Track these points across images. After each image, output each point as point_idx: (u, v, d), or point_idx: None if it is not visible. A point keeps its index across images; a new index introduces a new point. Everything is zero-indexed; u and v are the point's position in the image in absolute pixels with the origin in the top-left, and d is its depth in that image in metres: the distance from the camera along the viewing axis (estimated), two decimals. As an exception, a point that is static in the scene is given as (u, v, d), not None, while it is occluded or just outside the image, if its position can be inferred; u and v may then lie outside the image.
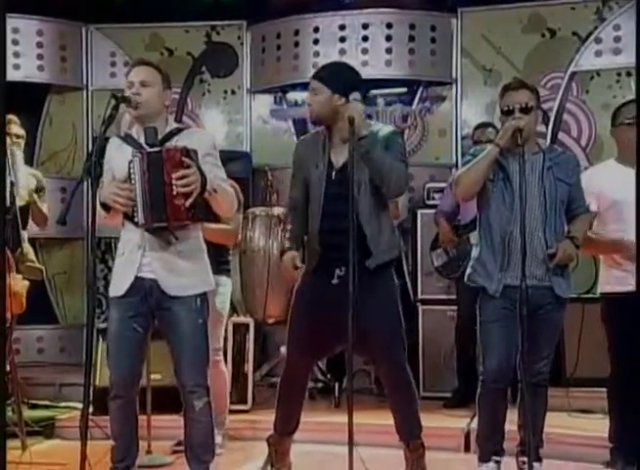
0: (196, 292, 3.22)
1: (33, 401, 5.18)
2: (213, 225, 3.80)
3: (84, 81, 6.87)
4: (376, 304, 3.42)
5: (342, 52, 6.14)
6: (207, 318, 3.29)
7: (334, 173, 3.49)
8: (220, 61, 6.69)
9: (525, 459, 3.34)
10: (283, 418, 3.65)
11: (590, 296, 5.23)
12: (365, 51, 6.12)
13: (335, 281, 3.42)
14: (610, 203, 3.72)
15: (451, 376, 5.44)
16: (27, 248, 4.98)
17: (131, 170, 3.07)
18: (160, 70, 3.28)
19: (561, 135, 6.13)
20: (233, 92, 6.70)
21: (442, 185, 5.60)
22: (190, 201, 3.01)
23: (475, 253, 3.59)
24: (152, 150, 3.12)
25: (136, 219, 3.10)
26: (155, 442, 4.24)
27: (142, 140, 3.22)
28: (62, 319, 6.84)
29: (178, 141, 3.21)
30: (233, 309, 5.46)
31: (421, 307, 5.60)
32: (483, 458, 3.50)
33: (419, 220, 5.65)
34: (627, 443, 3.74)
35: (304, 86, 6.23)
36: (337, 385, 5.18)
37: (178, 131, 3.27)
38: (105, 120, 3.00)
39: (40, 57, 6.62)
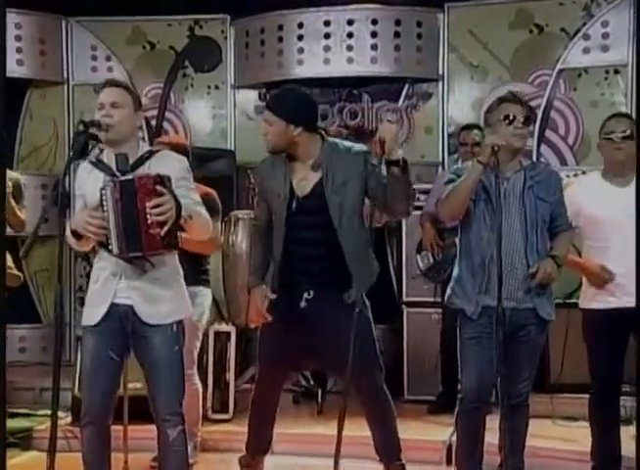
0: (172, 320, 3.16)
1: (12, 411, 5.10)
2: None
3: (65, 76, 6.76)
4: (347, 325, 3.35)
5: (327, 49, 6.04)
6: (183, 343, 3.23)
7: (295, 203, 3.43)
8: (204, 55, 6.59)
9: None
10: (255, 439, 3.64)
11: (575, 301, 5.17)
12: (350, 48, 6.01)
13: (303, 304, 3.40)
14: (586, 218, 3.66)
15: (436, 379, 5.39)
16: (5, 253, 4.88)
17: (103, 199, 2.99)
18: (130, 91, 3.19)
19: (548, 133, 6.06)
20: (217, 87, 6.60)
21: (428, 186, 5.50)
22: (165, 229, 2.94)
23: (455, 273, 3.53)
24: (124, 178, 3.04)
25: (110, 247, 3.02)
26: (132, 454, 4.17)
27: (113, 165, 3.14)
28: (44, 318, 6.77)
29: (150, 166, 3.14)
30: (220, 315, 5.43)
31: (406, 310, 5.54)
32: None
33: (404, 222, 5.57)
34: (608, 462, 3.72)
35: (289, 83, 6.24)
36: (319, 391, 5.13)
37: (150, 155, 3.18)
38: (72, 147, 2.90)
39: (19, 51, 6.50)
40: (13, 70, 6.37)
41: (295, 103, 3.46)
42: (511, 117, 3.36)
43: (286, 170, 3.46)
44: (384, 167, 3.23)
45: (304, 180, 3.42)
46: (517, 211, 3.37)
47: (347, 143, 3.53)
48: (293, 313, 3.41)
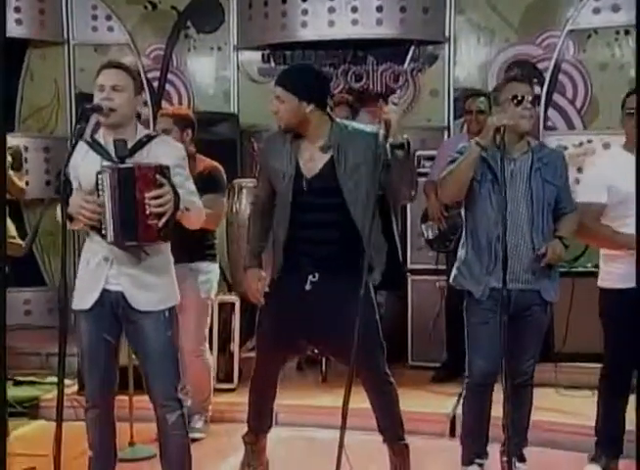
0: (164, 306, 3.14)
1: (18, 378, 5.14)
2: None
3: (65, 36, 6.66)
4: (353, 309, 3.33)
5: (332, 10, 5.90)
6: (177, 329, 3.22)
7: (304, 183, 3.35)
8: (206, 15, 6.47)
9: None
10: (256, 417, 3.63)
11: (580, 270, 5.17)
12: (355, 9, 5.88)
13: (308, 287, 3.34)
14: (622, 196, 3.51)
15: (440, 346, 5.42)
16: (8, 223, 4.87)
17: (99, 184, 2.94)
18: (132, 74, 3.11)
19: (555, 97, 5.97)
20: (219, 49, 6.50)
21: (433, 152, 5.45)
22: (163, 221, 2.90)
23: (461, 254, 3.50)
24: (123, 166, 2.98)
25: (104, 233, 2.98)
26: (137, 423, 4.20)
27: (110, 148, 3.08)
28: (49, 281, 6.78)
29: (149, 151, 3.09)
30: (226, 283, 5.42)
31: (410, 277, 5.53)
32: (466, 461, 3.47)
33: (409, 189, 5.52)
34: (612, 438, 3.74)
35: (293, 45, 6.14)
36: (323, 358, 5.14)
37: (148, 140, 3.12)
38: (74, 133, 2.85)
39: (17, 10, 6.40)
40: (11, 29, 6.29)
41: (307, 79, 3.37)
42: (519, 98, 3.29)
43: (291, 150, 3.37)
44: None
45: (312, 161, 3.34)
46: (523, 193, 3.33)
47: (357, 125, 3.45)
48: (296, 296, 3.36)
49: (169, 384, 3.15)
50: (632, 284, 3.45)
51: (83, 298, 3.12)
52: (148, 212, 2.88)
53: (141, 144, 3.10)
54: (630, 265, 3.47)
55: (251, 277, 3.51)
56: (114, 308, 3.11)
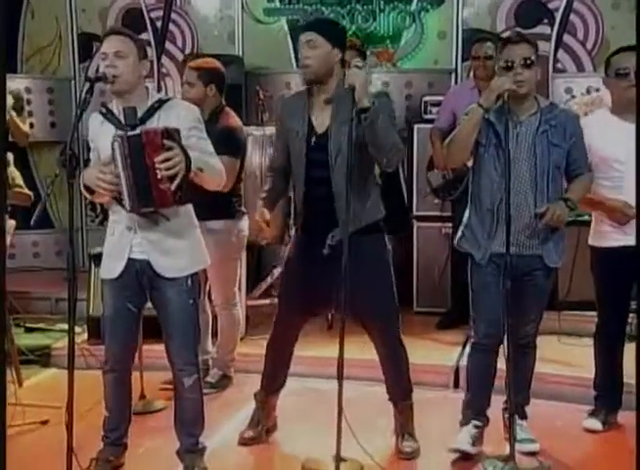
0: (188, 272, 3.18)
1: (29, 325, 5.22)
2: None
3: (65, -28, 6.54)
4: (368, 273, 3.34)
5: (339, -47, 5.77)
6: (198, 294, 3.28)
7: (314, 139, 3.31)
8: (209, -48, 6.33)
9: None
10: (270, 376, 3.68)
11: (586, 219, 5.15)
12: (362, -52, 5.76)
13: (326, 251, 3.32)
14: (598, 158, 3.54)
15: (445, 293, 5.47)
16: (14, 172, 4.84)
17: (113, 154, 2.94)
18: (134, 40, 3.07)
19: (566, 37, 5.89)
20: (223, -13, 6.38)
21: (440, 98, 5.39)
22: (175, 183, 2.89)
23: (465, 217, 3.49)
24: (131, 133, 2.96)
25: (123, 202, 3.00)
26: (147, 372, 4.25)
27: (122, 117, 3.06)
28: (56, 223, 6.82)
29: (160, 117, 3.07)
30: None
31: (416, 224, 5.55)
32: (464, 420, 3.53)
33: (415, 135, 5.49)
34: (610, 392, 3.81)
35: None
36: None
37: (160, 105, 3.10)
38: (80, 104, 2.82)
39: (18, -53, 6.28)
40: (10, -34, 6.21)
41: (338, 27, 3.35)
42: (509, 63, 3.25)
43: (305, 107, 3.33)
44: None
45: (323, 116, 3.29)
46: (527, 158, 3.29)
47: None
48: (315, 260, 3.34)
49: (189, 349, 3.23)
50: (617, 243, 3.61)
51: (110, 267, 3.17)
52: (159, 177, 2.88)
53: (152, 111, 3.08)
54: (616, 226, 3.59)
55: (258, 213, 3.48)
56: (139, 277, 3.16)
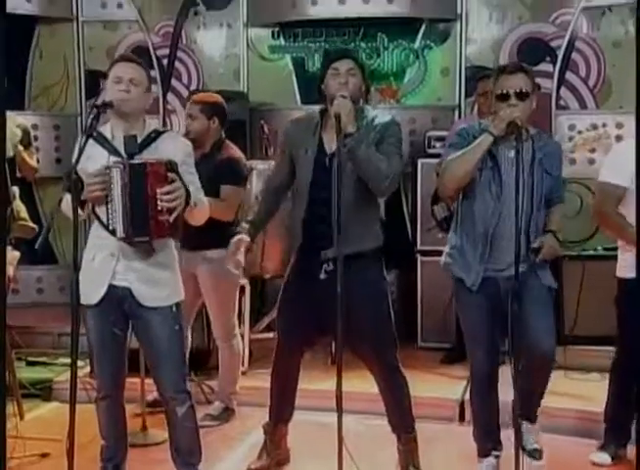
0: (172, 302, 3.16)
1: (31, 359, 5.19)
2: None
3: (74, 12, 6.60)
4: (363, 300, 3.32)
5: (343, -11, 5.84)
6: (183, 323, 3.26)
7: (327, 159, 3.34)
8: (215, -9, 6.41)
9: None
10: (277, 408, 3.65)
11: (591, 253, 5.17)
12: (365, -13, 5.82)
13: (322, 276, 3.34)
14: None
15: (450, 327, 5.42)
16: (19, 205, 4.86)
17: (110, 181, 2.93)
18: (146, 69, 3.12)
19: (568, 75, 5.90)
20: (229, 26, 6.44)
21: (444, 133, 5.42)
22: (174, 216, 2.92)
23: (453, 240, 3.47)
24: (134, 162, 2.98)
25: (112, 228, 2.98)
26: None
27: (116, 142, 3.08)
28: (61, 259, 6.81)
29: (157, 148, 3.09)
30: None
31: (420, 258, 5.54)
32: (482, 453, 3.49)
33: (419, 170, 5.51)
34: (621, 426, 3.76)
35: (303, 22, 6.08)
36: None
37: (157, 136, 3.13)
38: (86, 131, 2.84)
39: (26, -14, 6.35)
40: (20, 5, 6.27)
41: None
42: (504, 93, 3.27)
43: (317, 126, 3.39)
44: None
45: (333, 141, 3.30)
46: (524, 183, 3.26)
47: (379, 112, 3.49)
48: (312, 286, 3.35)
49: (178, 376, 3.18)
50: None
51: (90, 293, 3.11)
52: (159, 208, 2.89)
53: (149, 140, 3.10)
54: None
55: (238, 242, 3.47)
56: (121, 304, 3.13)
